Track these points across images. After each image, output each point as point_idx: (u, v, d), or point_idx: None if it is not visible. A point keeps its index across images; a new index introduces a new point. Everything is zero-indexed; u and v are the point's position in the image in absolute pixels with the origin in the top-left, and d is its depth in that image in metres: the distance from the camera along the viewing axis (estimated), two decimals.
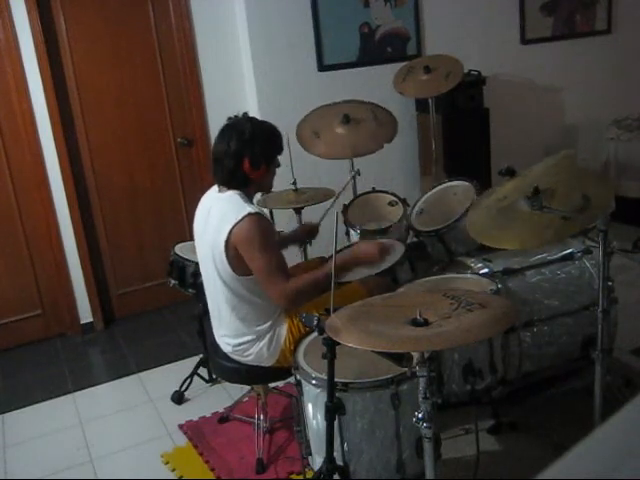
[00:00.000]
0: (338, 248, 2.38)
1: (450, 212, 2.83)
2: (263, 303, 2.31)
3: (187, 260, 2.86)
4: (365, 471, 1.99)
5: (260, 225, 2.18)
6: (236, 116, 2.32)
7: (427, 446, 1.71)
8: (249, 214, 2.16)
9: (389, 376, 1.92)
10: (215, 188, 2.36)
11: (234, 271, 2.22)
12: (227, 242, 2.17)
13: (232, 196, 2.25)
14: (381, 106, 3.21)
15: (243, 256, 2.19)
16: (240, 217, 2.16)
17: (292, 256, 2.78)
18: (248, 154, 2.22)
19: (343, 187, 3.07)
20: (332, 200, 2.94)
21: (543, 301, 2.56)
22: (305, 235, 2.85)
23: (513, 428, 2.53)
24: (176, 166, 4.06)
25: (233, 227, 2.16)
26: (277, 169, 2.41)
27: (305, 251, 2.98)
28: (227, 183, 2.28)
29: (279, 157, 2.39)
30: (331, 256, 2.25)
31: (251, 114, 2.42)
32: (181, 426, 2.84)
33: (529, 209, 1.86)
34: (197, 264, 2.57)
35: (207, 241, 2.27)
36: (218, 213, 2.24)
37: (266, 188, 2.45)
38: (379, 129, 3.12)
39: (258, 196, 2.96)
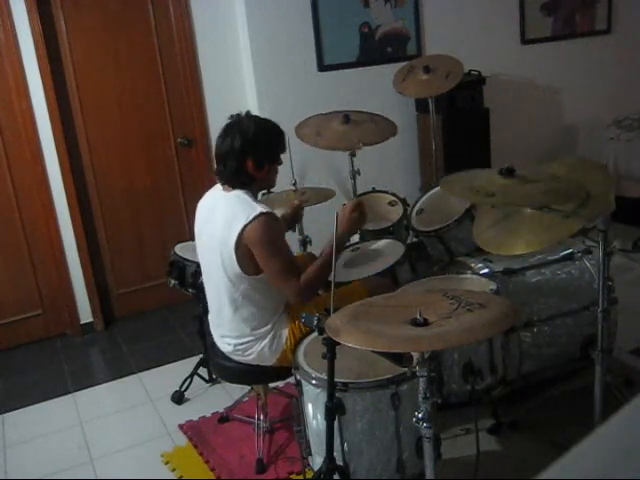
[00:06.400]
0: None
1: (450, 212, 2.83)
2: (266, 303, 2.31)
3: (187, 260, 2.86)
4: (365, 471, 1.99)
5: (273, 225, 2.17)
6: (238, 114, 2.29)
7: (427, 446, 1.71)
8: (261, 214, 2.14)
9: (389, 376, 1.92)
10: (219, 186, 2.33)
11: (242, 270, 2.21)
12: (238, 241, 2.15)
13: (240, 195, 2.23)
14: (380, 114, 3.21)
15: (255, 256, 2.17)
16: (252, 217, 2.14)
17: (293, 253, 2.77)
18: (252, 154, 2.20)
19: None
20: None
21: (543, 301, 2.56)
22: (292, 218, 2.77)
23: (513, 428, 2.53)
24: (176, 166, 4.05)
25: (245, 226, 2.14)
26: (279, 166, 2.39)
27: (305, 247, 2.99)
28: (231, 182, 2.27)
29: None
30: (324, 250, 2.26)
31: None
32: (181, 426, 2.84)
33: (530, 210, 1.87)
34: (197, 264, 2.56)
35: (212, 240, 2.25)
36: (226, 212, 2.22)
37: (268, 186, 2.45)
38: (379, 127, 3.13)
39: (259, 195, 2.97)
